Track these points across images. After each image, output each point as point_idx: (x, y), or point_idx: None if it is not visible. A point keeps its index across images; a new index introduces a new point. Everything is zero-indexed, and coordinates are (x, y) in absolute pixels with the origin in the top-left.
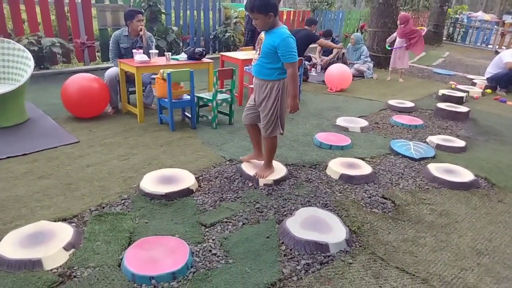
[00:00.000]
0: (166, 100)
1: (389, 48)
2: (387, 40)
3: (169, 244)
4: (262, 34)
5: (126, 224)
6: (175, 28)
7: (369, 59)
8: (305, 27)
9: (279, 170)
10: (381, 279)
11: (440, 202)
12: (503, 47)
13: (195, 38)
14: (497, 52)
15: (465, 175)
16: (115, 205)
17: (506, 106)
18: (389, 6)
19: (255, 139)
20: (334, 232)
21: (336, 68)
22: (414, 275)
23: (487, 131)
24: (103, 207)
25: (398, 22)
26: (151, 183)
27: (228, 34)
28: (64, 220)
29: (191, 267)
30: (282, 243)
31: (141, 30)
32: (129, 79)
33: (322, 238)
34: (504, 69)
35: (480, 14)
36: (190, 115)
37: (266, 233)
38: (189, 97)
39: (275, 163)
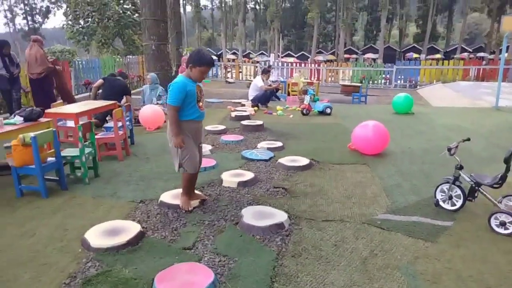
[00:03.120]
0: (31, 167)
1: None
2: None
3: (184, 269)
4: (196, 85)
5: (122, 275)
6: None
7: (165, 97)
8: (119, 78)
9: (196, 194)
10: (323, 230)
11: (304, 179)
12: (228, 76)
13: None
14: (227, 81)
15: (303, 161)
16: (86, 270)
17: (274, 116)
18: (161, 52)
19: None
20: (277, 215)
21: (149, 109)
22: (334, 220)
23: (281, 134)
24: (74, 276)
25: (184, 64)
26: (101, 239)
27: None
28: None
29: (217, 273)
30: (253, 235)
31: None
32: None
33: (276, 220)
34: (260, 91)
35: None
36: (56, 178)
37: (237, 233)
38: (53, 158)
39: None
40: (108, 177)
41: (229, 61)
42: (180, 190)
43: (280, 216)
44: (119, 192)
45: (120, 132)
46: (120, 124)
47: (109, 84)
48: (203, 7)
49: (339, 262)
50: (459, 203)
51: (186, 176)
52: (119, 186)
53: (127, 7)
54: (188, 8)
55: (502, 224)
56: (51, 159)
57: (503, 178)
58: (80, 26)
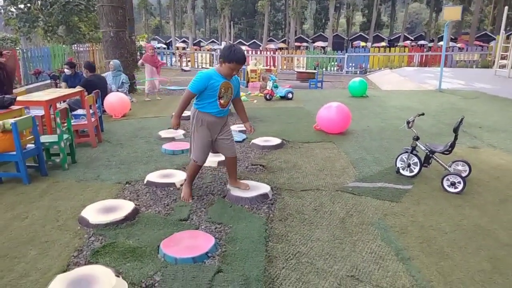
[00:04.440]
0: (12, 153)
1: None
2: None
3: (186, 235)
4: (223, 82)
5: (128, 245)
6: None
7: (128, 85)
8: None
9: (180, 175)
10: (303, 198)
11: (278, 157)
12: (183, 64)
13: None
14: (182, 70)
15: (275, 141)
16: (90, 244)
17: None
18: (120, 39)
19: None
20: (262, 186)
21: (115, 96)
22: (311, 189)
23: (249, 118)
24: (81, 250)
25: (147, 50)
26: (99, 216)
27: None
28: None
29: (216, 238)
30: (242, 205)
31: None
32: None
33: (261, 191)
34: None
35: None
36: (34, 164)
37: (227, 205)
38: (32, 145)
39: (171, 171)
40: (86, 163)
41: (178, 49)
42: (164, 171)
43: (264, 188)
44: (102, 175)
45: (92, 119)
46: (91, 111)
47: (98, 84)
48: None
49: (321, 222)
50: (416, 170)
51: (191, 164)
52: (100, 170)
53: None
54: None
55: (452, 184)
56: (30, 145)
57: (452, 145)
58: (21, 11)
